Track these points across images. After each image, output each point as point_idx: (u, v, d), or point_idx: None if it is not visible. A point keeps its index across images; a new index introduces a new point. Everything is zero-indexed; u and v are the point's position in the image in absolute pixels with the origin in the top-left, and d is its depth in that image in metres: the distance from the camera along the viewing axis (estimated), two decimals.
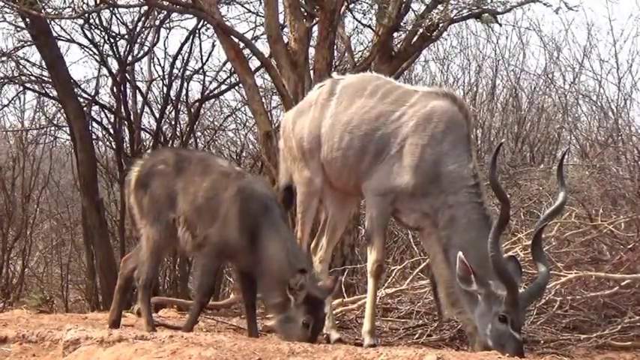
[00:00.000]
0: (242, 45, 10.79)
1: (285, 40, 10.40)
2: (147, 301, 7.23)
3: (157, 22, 13.52)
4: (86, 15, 12.59)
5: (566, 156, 7.42)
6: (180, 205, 7.10)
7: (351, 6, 12.19)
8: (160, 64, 13.85)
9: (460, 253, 6.63)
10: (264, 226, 6.96)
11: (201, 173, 7.13)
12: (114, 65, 13.49)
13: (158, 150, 7.79)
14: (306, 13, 10.70)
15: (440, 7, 10.68)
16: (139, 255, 7.26)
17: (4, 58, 13.28)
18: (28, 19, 12.35)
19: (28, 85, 13.75)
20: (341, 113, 7.41)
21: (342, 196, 7.75)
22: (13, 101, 14.07)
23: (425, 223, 7.18)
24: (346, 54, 12.50)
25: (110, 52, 13.40)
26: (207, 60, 13.77)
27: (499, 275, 6.54)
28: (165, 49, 13.91)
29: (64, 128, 13.98)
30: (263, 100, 10.71)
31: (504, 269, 6.54)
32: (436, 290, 7.28)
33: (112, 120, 13.60)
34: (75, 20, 12.73)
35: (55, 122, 14.22)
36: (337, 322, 7.69)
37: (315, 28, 10.71)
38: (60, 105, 13.26)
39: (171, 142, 13.51)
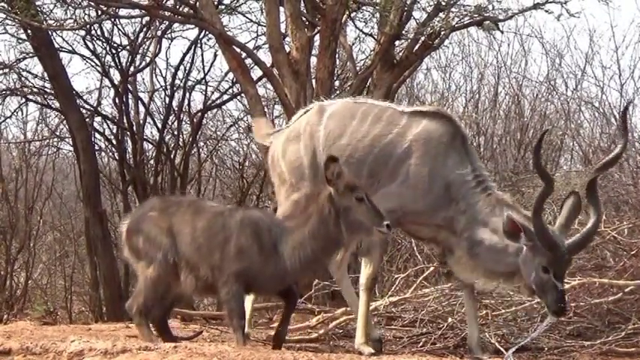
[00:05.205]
0: (244, 55, 10.81)
1: (287, 49, 10.42)
2: (146, 325, 6.82)
3: (159, 33, 13.52)
4: (88, 26, 12.60)
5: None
6: (178, 248, 6.77)
7: (353, 15, 12.21)
8: (161, 75, 13.86)
9: (509, 212, 6.96)
10: (274, 243, 6.74)
11: (194, 213, 6.84)
12: (116, 76, 13.49)
13: (145, 201, 7.62)
14: (307, 23, 10.73)
15: (441, 15, 10.71)
16: (135, 290, 6.96)
17: (6, 70, 13.28)
18: (29, 31, 12.33)
19: (30, 96, 13.71)
20: (336, 140, 7.41)
21: None
22: (15, 113, 14.02)
23: (441, 234, 7.33)
24: (348, 63, 12.53)
25: (112, 63, 13.39)
26: (209, 70, 13.76)
27: (542, 240, 6.86)
28: (167, 59, 13.94)
29: (66, 139, 13.95)
30: (265, 109, 10.70)
31: (547, 233, 6.88)
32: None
33: (115, 131, 13.59)
34: (76, 32, 12.74)
35: (57, 133, 14.20)
36: (341, 331, 7.66)
37: (317, 37, 10.74)
38: (62, 116, 13.25)
39: (174, 152, 13.52)
